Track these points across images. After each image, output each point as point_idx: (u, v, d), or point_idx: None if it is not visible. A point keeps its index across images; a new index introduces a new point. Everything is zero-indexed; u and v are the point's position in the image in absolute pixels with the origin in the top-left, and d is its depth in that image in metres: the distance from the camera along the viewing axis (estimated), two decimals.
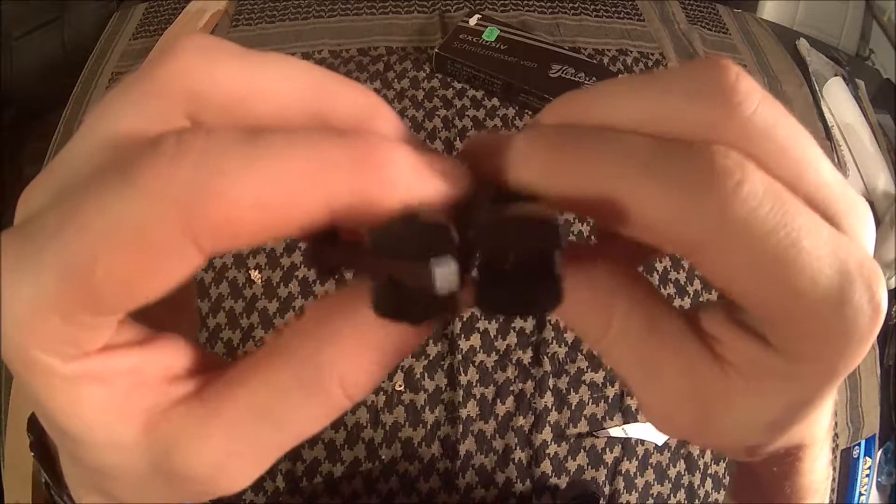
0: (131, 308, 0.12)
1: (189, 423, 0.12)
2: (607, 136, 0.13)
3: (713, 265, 0.13)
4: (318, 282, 0.55)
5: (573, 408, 0.52)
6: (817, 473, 0.18)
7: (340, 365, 0.12)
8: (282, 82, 0.13)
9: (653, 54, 0.72)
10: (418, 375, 0.52)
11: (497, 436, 0.51)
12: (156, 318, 0.14)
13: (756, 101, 0.13)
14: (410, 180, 0.12)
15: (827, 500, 0.19)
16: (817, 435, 0.17)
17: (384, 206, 0.12)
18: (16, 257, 0.11)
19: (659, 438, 0.53)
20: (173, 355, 0.13)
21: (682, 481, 0.53)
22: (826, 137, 0.71)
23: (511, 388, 0.52)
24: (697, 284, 0.58)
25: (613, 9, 0.76)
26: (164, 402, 0.13)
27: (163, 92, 0.12)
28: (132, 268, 0.11)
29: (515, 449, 0.51)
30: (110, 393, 0.12)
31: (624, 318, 0.14)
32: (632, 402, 0.53)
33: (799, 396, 0.13)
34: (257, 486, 0.49)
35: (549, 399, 0.52)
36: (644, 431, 0.53)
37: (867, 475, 0.59)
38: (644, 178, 0.12)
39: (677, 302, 0.57)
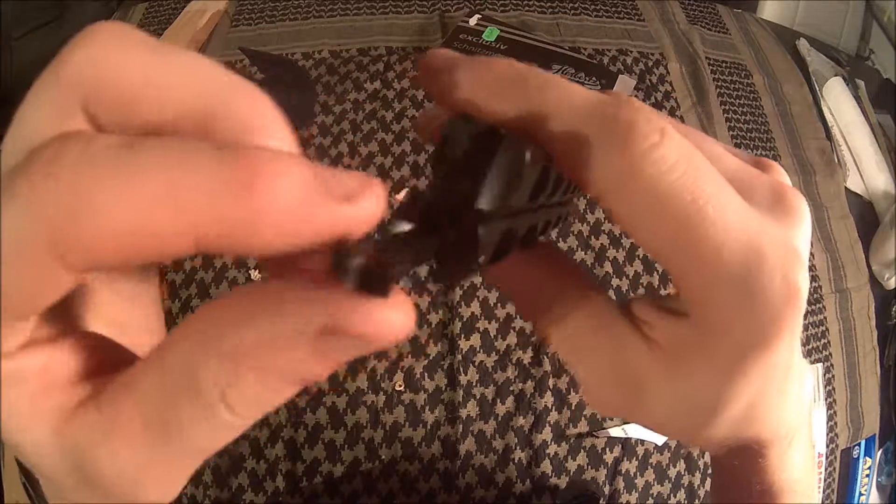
0: (25, 316, 0.11)
1: (91, 427, 0.12)
2: (555, 78, 0.15)
3: (618, 211, 0.14)
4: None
5: (573, 408, 0.52)
6: (790, 472, 0.18)
7: (220, 380, 0.11)
8: (180, 78, 0.12)
9: (653, 54, 0.72)
10: (418, 375, 0.52)
11: (497, 436, 0.51)
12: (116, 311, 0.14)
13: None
14: (295, 209, 0.10)
15: (815, 500, 0.19)
16: (778, 430, 0.17)
17: (259, 240, 0.10)
18: None
19: (659, 438, 0.53)
20: (81, 354, 0.13)
21: (682, 481, 0.53)
22: (826, 137, 0.71)
23: (511, 388, 0.52)
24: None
25: (613, 9, 0.76)
26: (69, 404, 0.12)
27: (62, 83, 0.11)
28: (9, 283, 0.10)
29: (515, 449, 0.51)
30: (26, 392, 0.12)
31: (551, 294, 0.17)
32: None
33: (720, 373, 0.14)
34: (257, 486, 0.49)
35: (549, 399, 0.52)
36: (644, 431, 0.53)
37: (867, 475, 0.59)
38: (575, 120, 0.14)
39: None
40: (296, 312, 0.11)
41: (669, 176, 0.13)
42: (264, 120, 0.12)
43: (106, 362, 0.13)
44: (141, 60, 0.12)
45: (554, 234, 0.58)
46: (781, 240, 0.14)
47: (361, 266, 0.10)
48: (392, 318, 0.11)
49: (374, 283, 0.10)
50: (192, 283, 0.55)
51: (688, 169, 0.13)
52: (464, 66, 0.15)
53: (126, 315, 0.16)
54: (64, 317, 0.13)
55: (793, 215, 0.15)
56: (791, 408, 0.16)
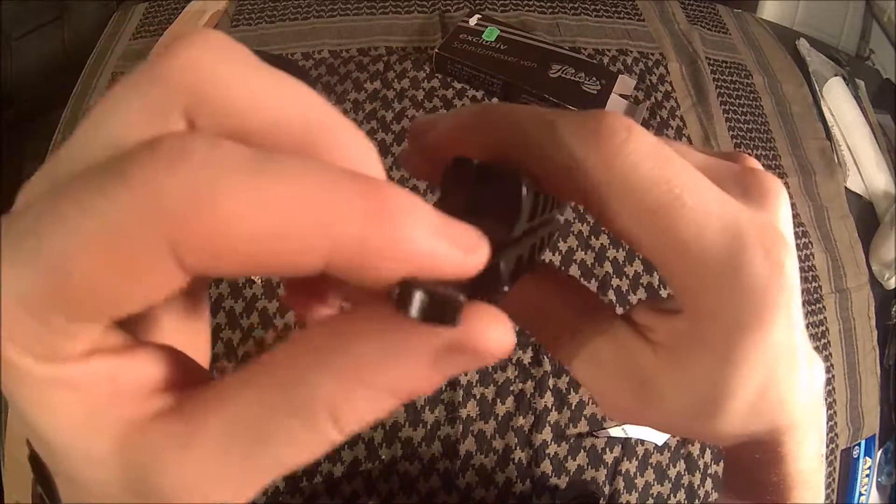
0: (111, 318, 0.11)
1: (168, 439, 0.11)
2: (517, 106, 0.15)
3: (602, 211, 0.14)
4: None
5: (573, 408, 0.52)
6: (805, 462, 0.18)
7: (333, 396, 0.11)
8: (285, 102, 0.12)
9: (653, 54, 0.72)
10: None
11: (497, 436, 0.51)
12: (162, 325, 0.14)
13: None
14: (426, 242, 0.11)
15: (822, 498, 0.19)
16: (793, 415, 0.16)
17: (389, 266, 0.11)
18: None
19: (659, 438, 0.53)
20: (155, 365, 0.12)
21: (682, 481, 0.53)
22: (826, 137, 0.71)
23: (511, 388, 0.52)
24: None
25: (613, 9, 0.76)
26: (141, 414, 0.12)
27: (165, 82, 0.11)
28: (110, 275, 0.10)
29: (515, 449, 0.51)
30: (85, 400, 0.11)
31: (557, 313, 0.17)
32: None
33: (719, 359, 0.15)
34: None
35: (549, 399, 0.52)
36: (644, 431, 0.53)
37: (867, 475, 0.59)
38: (546, 133, 0.14)
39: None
40: (422, 330, 0.11)
41: (643, 167, 0.14)
42: (366, 157, 0.13)
43: (180, 376, 0.13)
44: (250, 76, 0.12)
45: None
46: (760, 220, 0.14)
47: (428, 297, 0.11)
48: (507, 335, 0.12)
49: (439, 314, 0.11)
50: None
51: (660, 160, 0.14)
52: (442, 118, 0.16)
53: (176, 332, 0.16)
54: (129, 327, 0.13)
55: (769, 197, 0.16)
56: (804, 393, 0.16)
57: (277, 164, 0.10)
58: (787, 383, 0.15)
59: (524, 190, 0.13)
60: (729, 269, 0.14)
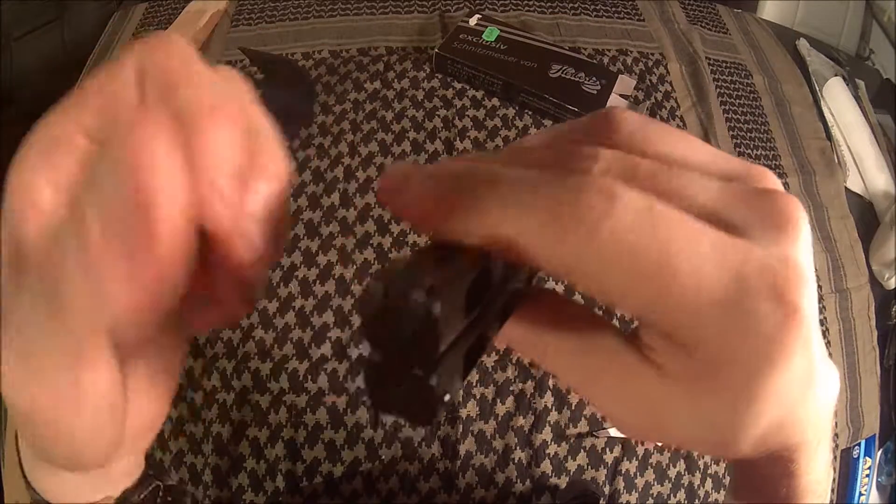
0: None
1: None
2: (487, 177, 0.14)
3: (588, 287, 0.14)
4: (318, 282, 0.55)
5: (573, 408, 0.52)
6: (815, 474, 0.18)
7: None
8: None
9: (653, 54, 0.72)
10: None
11: (497, 436, 0.51)
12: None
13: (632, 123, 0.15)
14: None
15: (826, 502, 0.19)
16: (806, 433, 0.16)
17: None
18: None
19: None
20: None
21: (682, 481, 0.53)
22: (826, 137, 0.71)
23: (511, 388, 0.52)
24: None
25: (613, 9, 0.76)
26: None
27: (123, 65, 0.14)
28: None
29: (515, 449, 0.51)
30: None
31: (555, 342, 0.17)
32: None
33: (732, 400, 0.14)
34: (257, 486, 0.49)
35: (549, 399, 0.52)
36: None
37: (867, 475, 0.59)
38: (523, 220, 0.13)
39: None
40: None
41: (629, 237, 0.13)
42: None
43: None
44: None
45: None
46: (772, 259, 0.14)
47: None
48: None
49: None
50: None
51: (648, 224, 0.13)
52: (413, 182, 0.15)
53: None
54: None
55: (787, 226, 0.15)
56: (819, 412, 0.16)
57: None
58: (803, 405, 0.15)
59: (436, 309, 0.12)
60: (735, 322, 0.13)
